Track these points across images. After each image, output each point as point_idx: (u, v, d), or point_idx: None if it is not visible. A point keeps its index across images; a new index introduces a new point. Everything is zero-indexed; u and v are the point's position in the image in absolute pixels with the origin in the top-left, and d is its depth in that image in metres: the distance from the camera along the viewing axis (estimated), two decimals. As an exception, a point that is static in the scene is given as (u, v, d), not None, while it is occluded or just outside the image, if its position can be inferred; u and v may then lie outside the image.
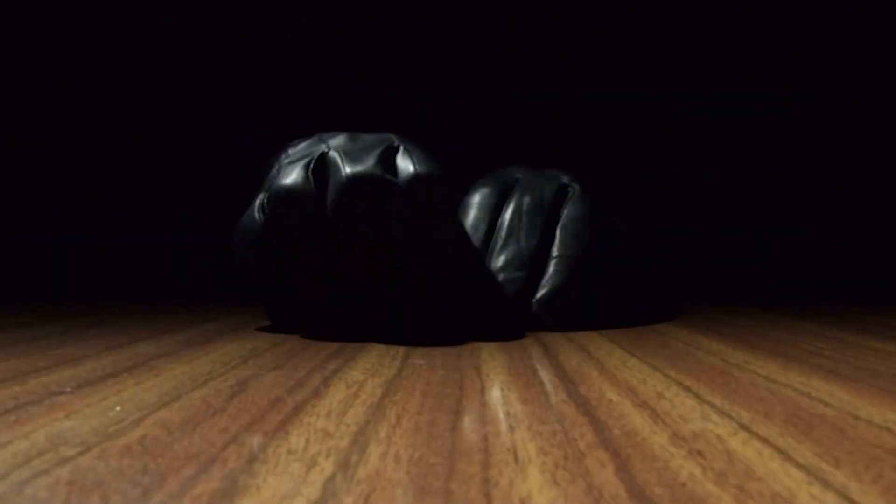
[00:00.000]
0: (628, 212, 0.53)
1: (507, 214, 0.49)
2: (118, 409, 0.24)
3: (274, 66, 0.90)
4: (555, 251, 0.48)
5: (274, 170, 0.45)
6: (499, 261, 0.47)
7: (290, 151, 0.45)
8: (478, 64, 0.89)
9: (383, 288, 0.42)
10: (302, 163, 0.41)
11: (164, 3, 0.89)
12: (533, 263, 0.47)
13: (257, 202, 0.44)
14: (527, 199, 0.49)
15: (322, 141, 0.44)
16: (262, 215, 0.43)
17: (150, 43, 0.89)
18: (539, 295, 0.47)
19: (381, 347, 0.38)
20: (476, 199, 0.50)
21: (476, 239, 0.49)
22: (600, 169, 0.81)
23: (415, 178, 0.40)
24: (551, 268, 0.47)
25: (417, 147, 0.43)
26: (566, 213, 0.49)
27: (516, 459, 0.19)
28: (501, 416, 0.23)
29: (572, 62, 0.89)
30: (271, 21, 0.89)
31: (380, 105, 0.89)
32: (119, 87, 0.90)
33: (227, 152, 0.91)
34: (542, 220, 0.48)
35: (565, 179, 0.51)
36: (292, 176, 0.40)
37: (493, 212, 0.50)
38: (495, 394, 0.27)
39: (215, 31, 0.89)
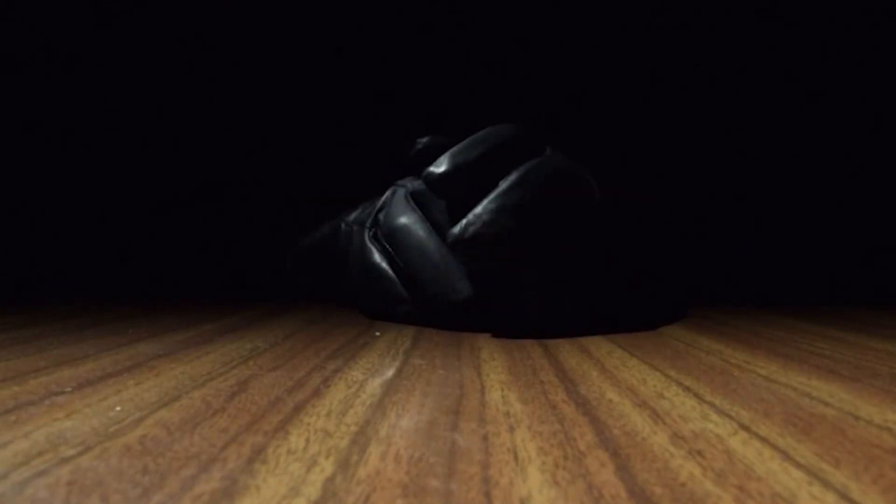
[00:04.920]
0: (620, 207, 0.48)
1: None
2: (118, 409, 0.24)
3: (268, 67, 0.90)
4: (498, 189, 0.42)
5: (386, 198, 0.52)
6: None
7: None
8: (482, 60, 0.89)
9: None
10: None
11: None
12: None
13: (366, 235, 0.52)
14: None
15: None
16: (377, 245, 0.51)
17: (143, 33, 0.89)
18: (455, 228, 0.42)
19: (381, 347, 0.38)
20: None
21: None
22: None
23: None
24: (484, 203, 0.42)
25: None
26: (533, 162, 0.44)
27: (516, 459, 0.19)
28: (501, 416, 0.23)
29: (575, 58, 0.89)
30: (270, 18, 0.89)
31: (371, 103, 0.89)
32: (125, 86, 0.90)
33: (227, 152, 0.91)
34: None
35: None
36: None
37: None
38: (495, 394, 0.27)
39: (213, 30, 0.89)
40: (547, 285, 0.44)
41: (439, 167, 0.45)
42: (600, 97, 0.89)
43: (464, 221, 0.42)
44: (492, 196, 0.42)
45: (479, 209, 0.42)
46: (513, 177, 0.43)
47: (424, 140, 0.51)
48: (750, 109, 0.89)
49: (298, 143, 0.90)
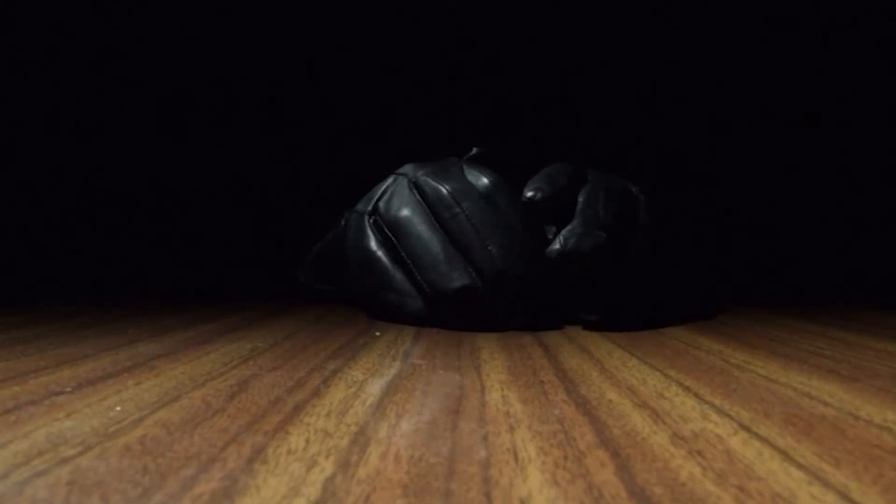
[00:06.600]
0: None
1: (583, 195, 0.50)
2: (118, 409, 0.24)
3: (264, 67, 0.90)
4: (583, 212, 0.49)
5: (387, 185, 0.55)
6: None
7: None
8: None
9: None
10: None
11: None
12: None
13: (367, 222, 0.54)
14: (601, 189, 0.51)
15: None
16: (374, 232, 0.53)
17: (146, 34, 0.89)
18: (556, 245, 0.47)
19: (381, 347, 0.39)
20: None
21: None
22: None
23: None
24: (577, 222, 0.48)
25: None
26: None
27: (516, 459, 0.19)
28: (501, 416, 0.23)
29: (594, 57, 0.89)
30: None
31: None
32: (129, 86, 0.90)
33: (227, 152, 0.91)
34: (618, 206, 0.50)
35: (633, 189, 0.53)
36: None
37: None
38: (495, 394, 0.27)
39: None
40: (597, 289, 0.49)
41: (545, 192, 0.50)
42: (603, 99, 0.89)
43: (561, 237, 0.47)
44: (577, 214, 0.48)
45: (570, 227, 0.47)
46: (581, 198, 0.49)
47: (476, 150, 0.57)
48: (748, 110, 0.89)
49: (298, 143, 0.90)
